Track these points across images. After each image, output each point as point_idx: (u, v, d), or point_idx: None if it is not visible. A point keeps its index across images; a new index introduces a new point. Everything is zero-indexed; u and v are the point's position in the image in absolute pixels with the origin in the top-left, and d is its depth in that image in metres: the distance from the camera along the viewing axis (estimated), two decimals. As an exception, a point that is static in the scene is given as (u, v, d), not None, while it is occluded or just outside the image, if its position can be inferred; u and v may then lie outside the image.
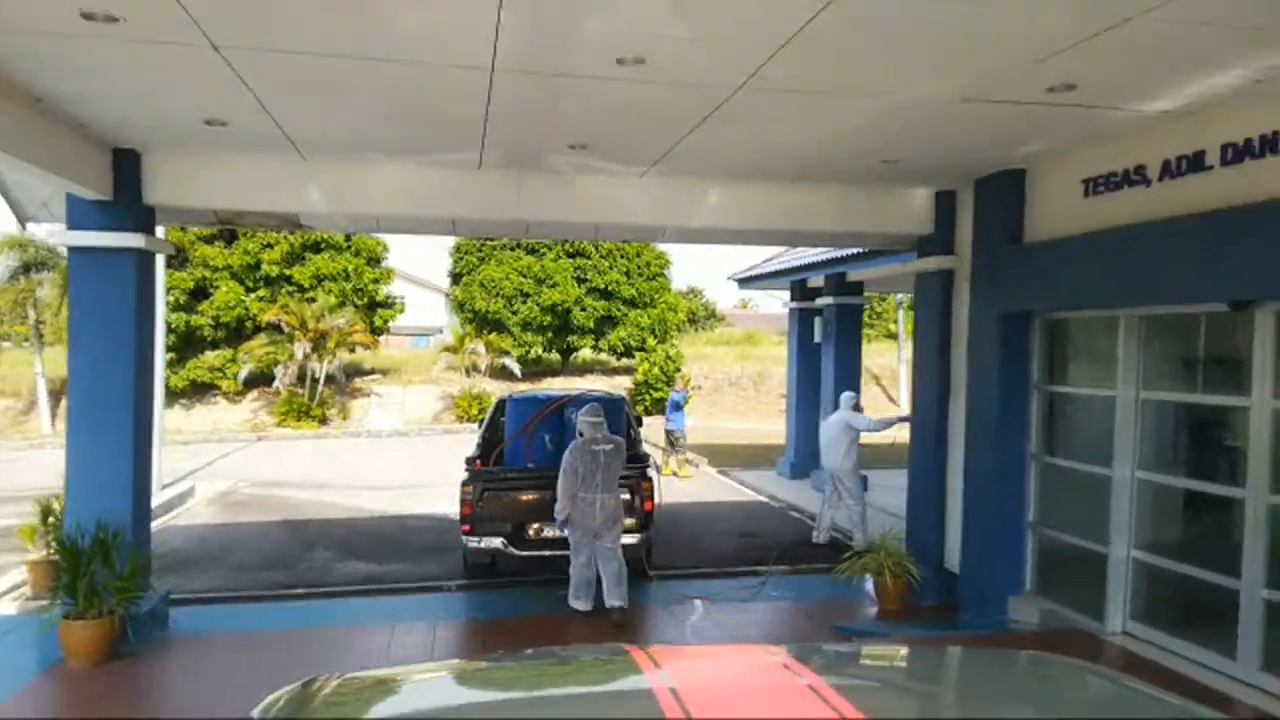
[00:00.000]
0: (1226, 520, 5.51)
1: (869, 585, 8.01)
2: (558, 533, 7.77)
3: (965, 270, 7.89)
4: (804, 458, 14.85)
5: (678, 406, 15.77)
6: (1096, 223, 6.35)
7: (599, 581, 7.51)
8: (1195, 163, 5.57)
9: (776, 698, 1.84)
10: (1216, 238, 5.29)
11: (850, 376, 13.77)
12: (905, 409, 10.50)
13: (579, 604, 7.49)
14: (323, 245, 26.61)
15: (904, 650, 2.85)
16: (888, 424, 10.54)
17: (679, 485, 13.96)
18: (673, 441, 15.71)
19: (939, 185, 8.18)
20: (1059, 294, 6.70)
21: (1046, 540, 7.13)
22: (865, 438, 10.38)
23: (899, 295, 22.21)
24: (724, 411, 27.59)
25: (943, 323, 8.14)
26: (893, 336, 37.95)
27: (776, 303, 28.07)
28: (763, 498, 13.58)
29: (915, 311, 8.65)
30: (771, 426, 24.68)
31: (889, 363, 30.39)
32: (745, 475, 15.55)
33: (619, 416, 9.05)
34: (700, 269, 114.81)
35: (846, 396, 10.63)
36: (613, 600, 7.37)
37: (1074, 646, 6.26)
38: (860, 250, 11.22)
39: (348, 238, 27.04)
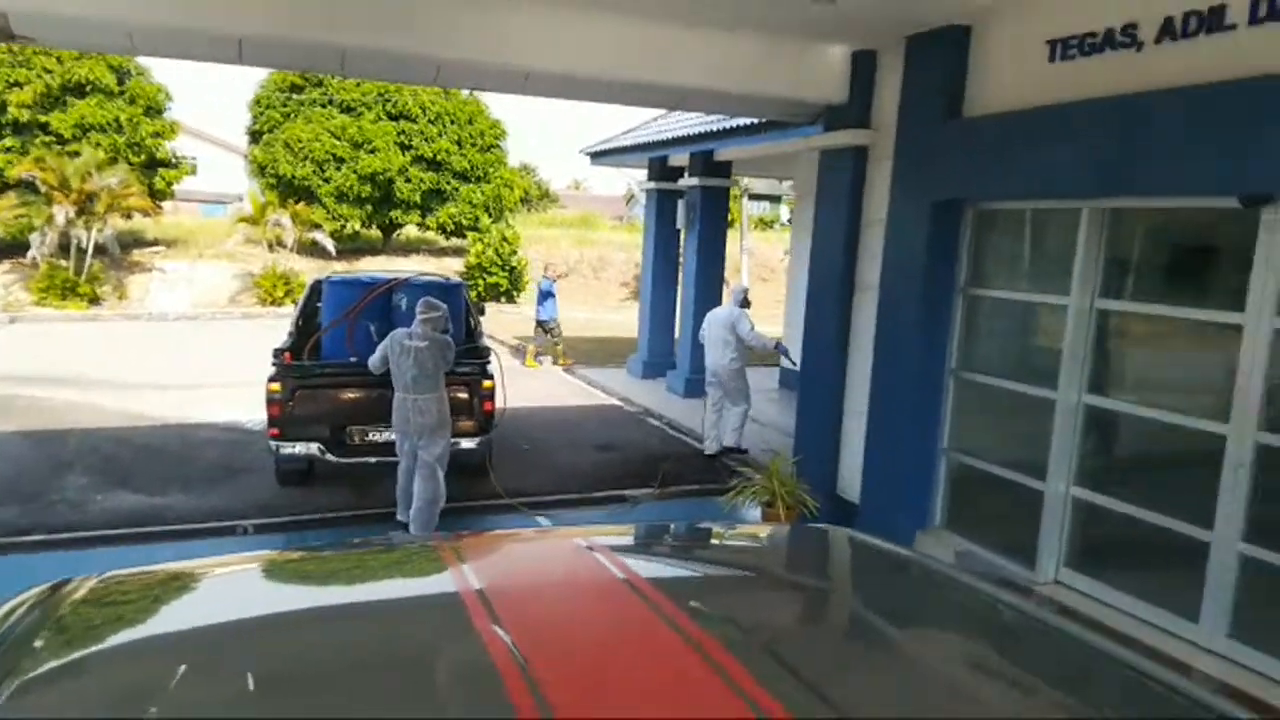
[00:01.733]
0: (1200, 460, 4.68)
1: (757, 515, 6.95)
2: (388, 435, 6.80)
3: (883, 148, 6.64)
4: (659, 356, 13.68)
5: (547, 295, 14.83)
6: (1068, 94, 5.18)
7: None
8: (1212, 21, 4.43)
9: (579, 584, 1.74)
10: (1235, 115, 4.23)
11: (714, 267, 12.58)
12: (795, 354, 9.29)
13: (400, 513, 6.67)
14: (88, 88, 22.17)
15: (717, 528, 2.64)
16: (767, 349, 9.45)
17: (524, 385, 12.44)
18: (548, 330, 14.83)
19: (857, 43, 6.80)
20: (1012, 179, 5.56)
21: (963, 470, 6.23)
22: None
23: (745, 181, 21.12)
24: (562, 299, 26.02)
25: (851, 210, 6.92)
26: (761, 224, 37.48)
27: (612, 184, 26.45)
28: (616, 401, 12.33)
29: (818, 196, 7.38)
30: (614, 317, 23.46)
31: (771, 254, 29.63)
32: (593, 374, 14.23)
33: (457, 305, 7.88)
34: (533, 144, 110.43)
35: (737, 289, 9.49)
36: (413, 528, 6.46)
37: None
38: (741, 124, 9.79)
39: (120, 80, 22.68)
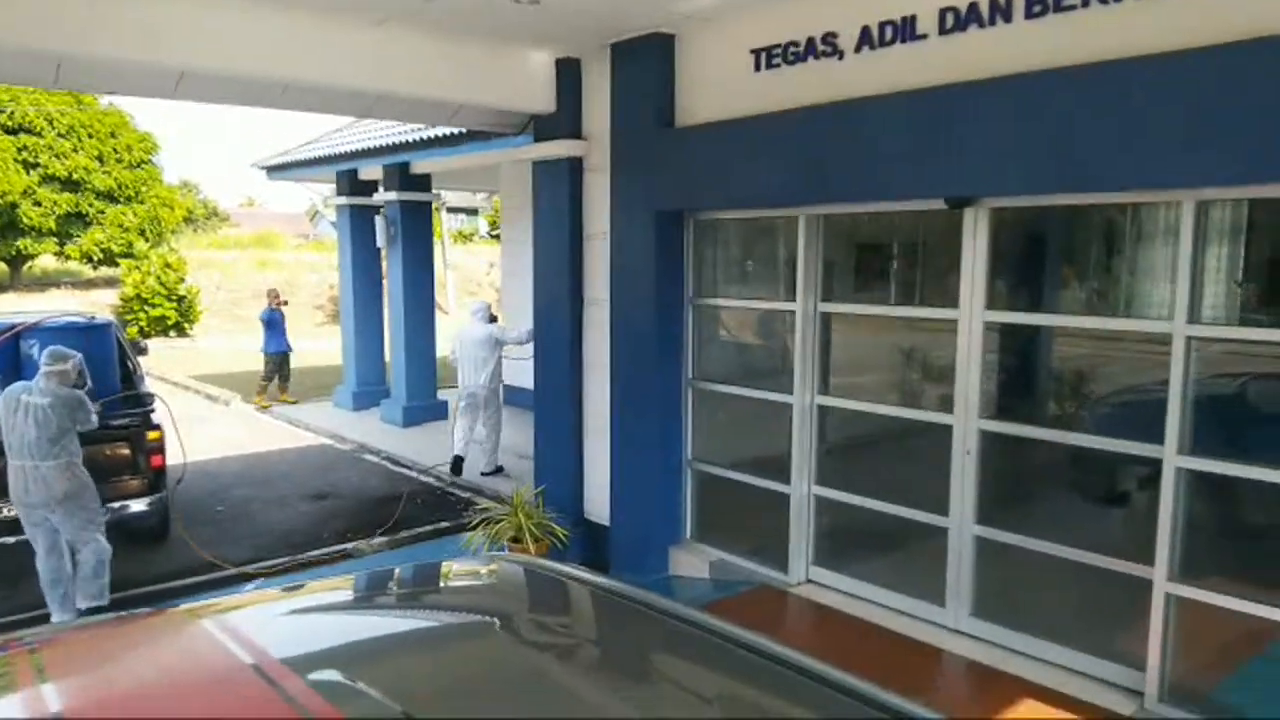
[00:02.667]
0: (930, 452, 4.92)
1: (503, 553, 6.44)
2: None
3: (598, 158, 6.43)
4: (370, 385, 12.63)
5: (271, 325, 13.24)
6: (773, 103, 5.24)
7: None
8: (905, 30, 4.64)
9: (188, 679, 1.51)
10: (934, 121, 4.45)
11: (423, 285, 11.82)
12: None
13: (55, 613, 5.58)
14: None
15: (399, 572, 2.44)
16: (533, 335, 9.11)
17: (210, 432, 10.83)
18: (277, 368, 13.29)
19: (560, 50, 6.51)
20: (727, 189, 5.54)
21: (708, 480, 6.18)
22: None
23: (444, 195, 20.30)
24: (246, 329, 23.49)
25: (572, 222, 6.63)
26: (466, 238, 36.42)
27: (292, 200, 24.47)
28: (325, 439, 11.14)
29: (535, 209, 7.01)
30: (311, 345, 21.55)
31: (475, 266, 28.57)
32: (294, 411, 12.82)
33: (106, 349, 6.88)
34: (194, 159, 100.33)
35: (479, 307, 9.21)
36: (82, 601, 5.59)
37: (758, 604, 5.41)
38: (441, 134, 9.17)
39: None
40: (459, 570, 2.49)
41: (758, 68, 5.39)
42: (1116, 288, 4.65)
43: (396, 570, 2.43)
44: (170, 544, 7.13)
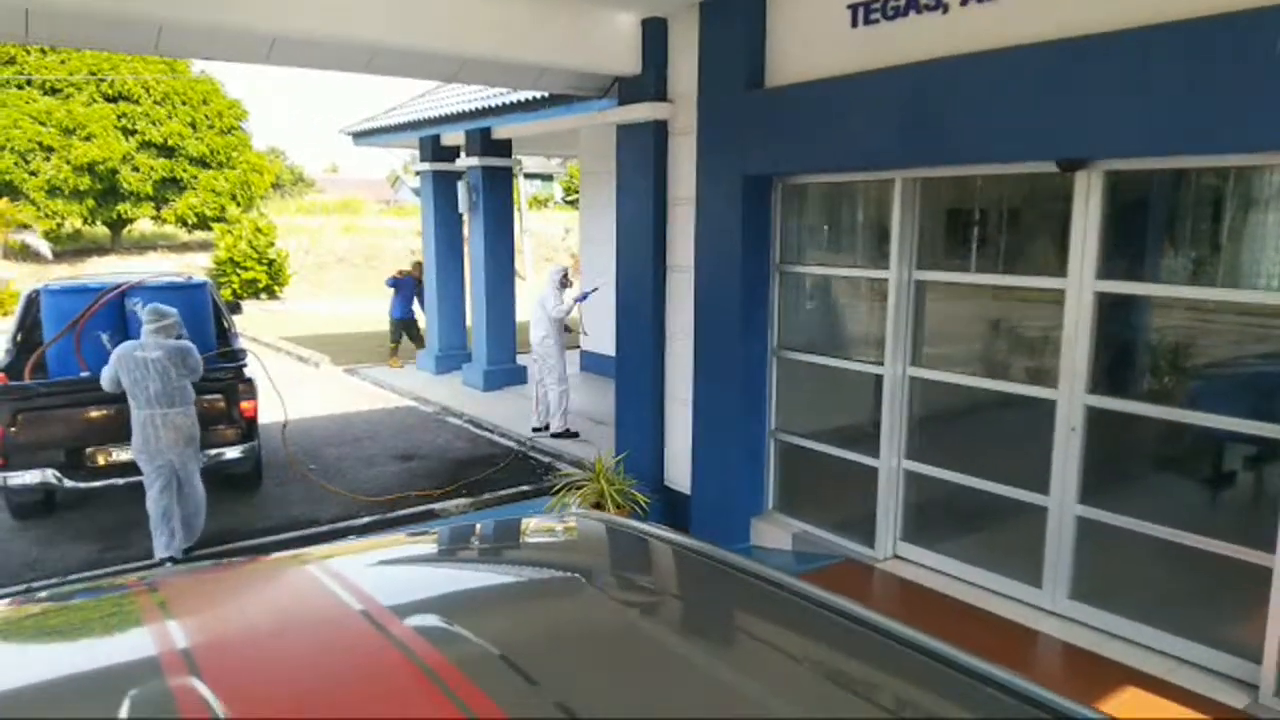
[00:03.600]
0: (1027, 426, 4.73)
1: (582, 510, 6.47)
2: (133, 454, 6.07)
3: (684, 121, 6.30)
4: (452, 349, 12.84)
5: (398, 290, 13.68)
6: (872, 60, 5.03)
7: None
8: (1015, -18, 4.37)
9: (305, 620, 1.57)
10: (1049, 78, 4.18)
11: (503, 251, 11.90)
12: (594, 280, 10.27)
13: (160, 549, 5.97)
14: None
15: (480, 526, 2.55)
16: (582, 299, 9.70)
17: (299, 393, 11.16)
18: (402, 331, 13.75)
19: (646, 10, 6.37)
20: (819, 152, 5.36)
21: (794, 451, 6.08)
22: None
23: (523, 161, 20.37)
24: (333, 293, 24.18)
25: (657, 187, 6.53)
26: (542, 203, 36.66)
27: (373, 166, 24.89)
28: (409, 401, 11.38)
29: (619, 175, 6.93)
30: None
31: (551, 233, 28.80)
32: (381, 372, 13.13)
33: (202, 307, 7.41)
34: (280, 125, 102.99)
35: (555, 270, 9.36)
36: (187, 539, 6.09)
37: (843, 578, 5.31)
38: (522, 98, 9.14)
39: None
40: (539, 526, 2.53)
41: (855, 23, 5.17)
42: (1234, 257, 4.35)
43: (478, 525, 2.41)
44: (263, 496, 7.43)
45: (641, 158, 6.60)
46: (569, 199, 45.09)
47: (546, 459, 8.80)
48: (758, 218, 5.88)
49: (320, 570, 1.81)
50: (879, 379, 5.38)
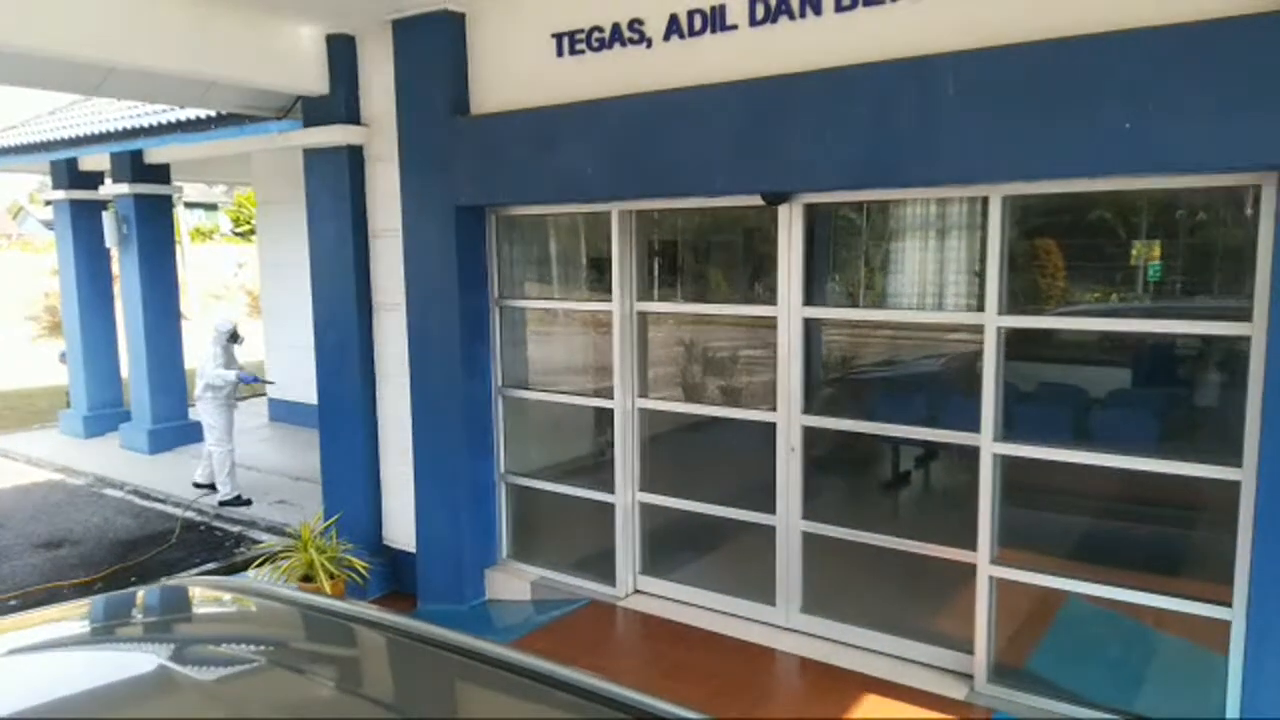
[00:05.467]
0: (753, 450, 4.85)
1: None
2: None
3: (383, 146, 5.84)
4: (106, 406, 10.99)
5: None
6: (580, 92, 4.94)
7: None
8: (715, 20, 4.50)
9: None
10: (748, 115, 4.34)
11: (165, 290, 10.38)
12: (267, 373, 9.30)
13: None
14: None
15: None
16: (233, 383, 8.19)
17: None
18: None
19: (331, 25, 5.83)
20: (532, 183, 5.17)
21: (524, 494, 5.79)
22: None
23: (188, 190, 18.10)
24: (-63, 345, 19.89)
25: (355, 218, 5.98)
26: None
27: None
28: (53, 474, 9.50)
29: (309, 204, 6.25)
30: (23, 364, 18.59)
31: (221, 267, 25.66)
32: (11, 442, 10.89)
33: None
34: None
35: (221, 324, 8.26)
36: None
37: (588, 622, 5.13)
38: (184, 118, 8.03)
39: None
40: (121, 599, 2.41)
41: (560, 53, 5.06)
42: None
43: (79, 604, 2.30)
44: None
45: (335, 185, 6.00)
46: (238, 230, 41.29)
47: (235, 528, 7.72)
48: (472, 250, 5.56)
49: None
50: (609, 413, 5.27)
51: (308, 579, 5.54)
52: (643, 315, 5.21)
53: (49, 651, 1.93)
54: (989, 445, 4.04)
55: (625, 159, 4.75)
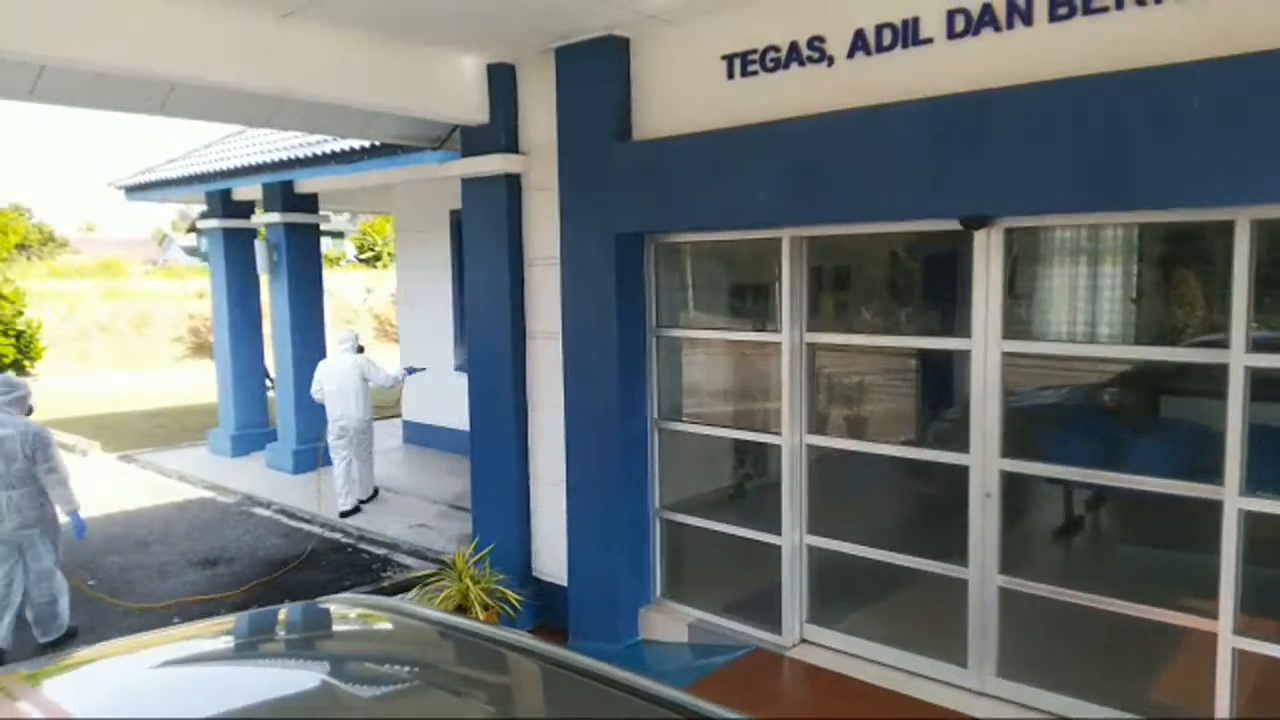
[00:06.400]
0: (944, 496, 4.50)
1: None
2: None
3: (542, 175, 5.77)
4: (252, 427, 11.38)
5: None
6: (752, 114, 4.74)
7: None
8: (908, 34, 4.23)
9: None
10: (949, 133, 4.03)
11: (313, 315, 10.72)
12: (416, 360, 9.72)
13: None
14: None
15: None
16: (400, 380, 9.09)
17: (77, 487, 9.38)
18: None
19: (492, 55, 5.82)
20: (698, 209, 4.96)
21: (681, 531, 5.57)
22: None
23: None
24: (97, 366, 21.30)
25: (512, 247, 5.93)
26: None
27: (137, 224, 22.53)
28: (204, 491, 9.86)
29: (466, 233, 6.25)
30: (168, 382, 19.68)
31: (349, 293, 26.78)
32: (162, 459, 11.40)
33: None
34: (24, 180, 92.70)
35: (346, 336, 8.88)
36: (46, 634, 5.68)
37: (756, 671, 4.84)
38: (343, 149, 8.26)
39: None
40: (293, 614, 2.44)
41: (731, 75, 4.87)
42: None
43: (232, 619, 2.31)
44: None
45: (493, 215, 5.98)
46: (362, 257, 42.98)
47: (381, 551, 7.78)
48: (631, 278, 5.41)
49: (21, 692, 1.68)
50: (775, 449, 5.00)
51: (461, 609, 5.46)
52: (811, 347, 4.93)
53: (200, 665, 1.97)
54: (1234, 500, 3.58)
55: (802, 182, 4.50)
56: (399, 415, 12.19)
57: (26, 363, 19.50)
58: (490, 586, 5.55)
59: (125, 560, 7.43)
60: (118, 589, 6.72)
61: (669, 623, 5.41)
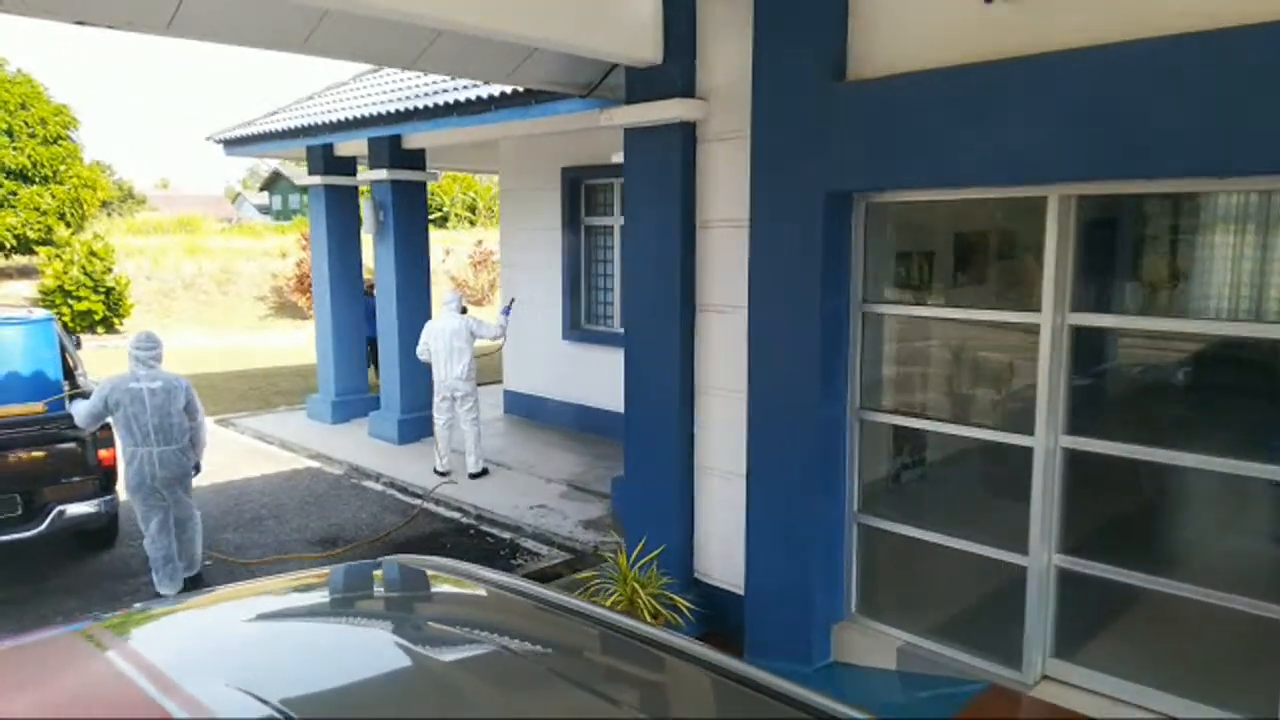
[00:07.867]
0: (1238, 510, 3.67)
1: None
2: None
3: (722, 123, 5.03)
4: (354, 393, 10.95)
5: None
6: (1014, 45, 3.89)
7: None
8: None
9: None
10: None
11: (419, 276, 10.19)
12: (516, 296, 10.50)
13: (165, 587, 5.85)
14: None
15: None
16: (504, 329, 9.02)
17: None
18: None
19: (668, -18, 5.05)
20: (938, 161, 4.15)
21: (883, 539, 4.83)
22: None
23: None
24: (183, 324, 21.28)
25: (684, 209, 5.20)
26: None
27: (209, 181, 22.38)
28: (309, 461, 9.42)
29: (627, 191, 5.54)
30: (258, 342, 19.53)
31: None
32: (261, 424, 11.03)
33: (46, 343, 6.52)
34: (103, 136, 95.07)
35: (452, 298, 8.64)
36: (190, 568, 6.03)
37: (999, 714, 4.10)
38: (449, 99, 7.62)
39: None
40: (352, 573, 2.43)
41: None
42: None
43: (289, 578, 2.29)
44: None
45: (661, 169, 5.25)
46: (432, 218, 42.83)
47: (506, 535, 7.22)
48: (836, 244, 4.63)
49: (109, 642, 1.75)
50: (1023, 451, 4.20)
51: (628, 610, 4.81)
52: (1075, 330, 4.10)
53: (294, 620, 2.01)
54: None
55: (1084, 129, 3.66)
56: (499, 382, 11.65)
57: (116, 320, 19.49)
58: (658, 592, 4.90)
59: (241, 538, 6.99)
60: (235, 573, 6.27)
61: (869, 644, 4.69)
